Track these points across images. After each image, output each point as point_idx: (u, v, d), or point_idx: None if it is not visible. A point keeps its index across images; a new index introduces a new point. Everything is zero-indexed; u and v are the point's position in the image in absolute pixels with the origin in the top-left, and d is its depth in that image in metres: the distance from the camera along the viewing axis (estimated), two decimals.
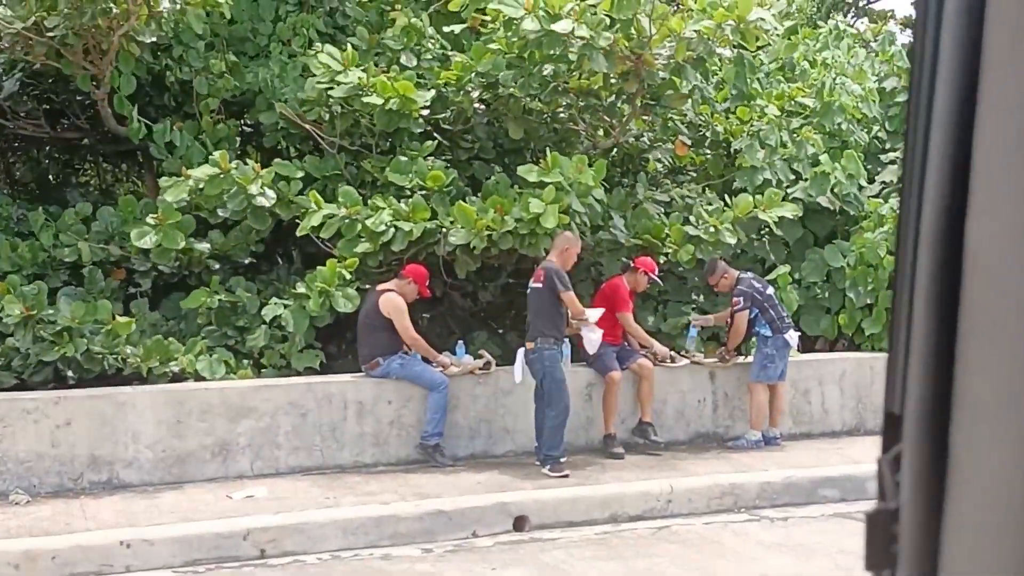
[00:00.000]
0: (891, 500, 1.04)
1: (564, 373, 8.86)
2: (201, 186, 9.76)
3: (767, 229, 11.37)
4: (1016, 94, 0.86)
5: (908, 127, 1.08)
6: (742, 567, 7.06)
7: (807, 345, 11.57)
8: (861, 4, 22.62)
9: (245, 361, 9.79)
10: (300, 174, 10.30)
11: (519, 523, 7.85)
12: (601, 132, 11.68)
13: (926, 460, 0.97)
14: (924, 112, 1.03)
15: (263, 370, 9.86)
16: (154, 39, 10.22)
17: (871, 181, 12.54)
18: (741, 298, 10.02)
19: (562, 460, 8.78)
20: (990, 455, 0.87)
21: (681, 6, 11.15)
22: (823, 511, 8.57)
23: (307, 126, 10.55)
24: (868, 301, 11.46)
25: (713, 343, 11.44)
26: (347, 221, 9.84)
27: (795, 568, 7.05)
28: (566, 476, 8.63)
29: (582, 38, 9.76)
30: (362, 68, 10.22)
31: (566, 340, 9.33)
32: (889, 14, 23.01)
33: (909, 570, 0.99)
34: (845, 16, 19.07)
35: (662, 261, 10.65)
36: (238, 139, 11.27)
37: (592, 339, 9.19)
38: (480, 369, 9.55)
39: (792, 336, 10.11)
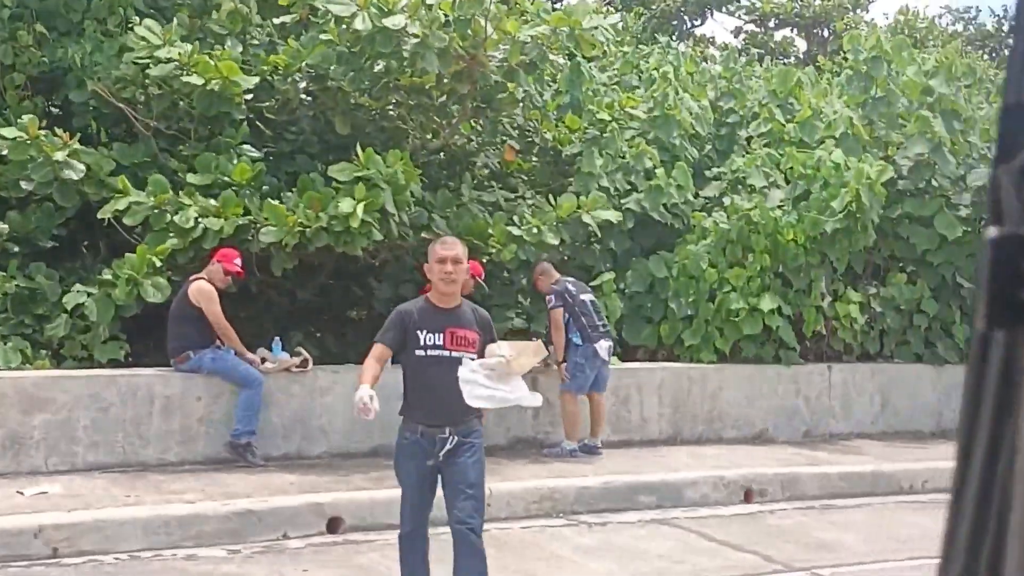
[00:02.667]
0: (1018, 223, 0.80)
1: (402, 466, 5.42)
2: (4, 151, 9.13)
3: (596, 237, 11.36)
4: None
5: None
6: (562, 570, 6.95)
7: (629, 354, 11.61)
8: (685, 28, 23.19)
9: (43, 351, 9.18)
10: (110, 165, 9.72)
11: (333, 525, 7.55)
12: (430, 134, 11.50)
13: None
14: None
15: (63, 362, 9.27)
16: None
17: (696, 196, 12.72)
18: (552, 296, 10.00)
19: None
20: None
21: (515, 6, 11.05)
22: (641, 517, 8.56)
23: (121, 105, 10.00)
24: (689, 312, 11.58)
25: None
26: (155, 211, 9.37)
27: (614, 572, 6.97)
28: None
29: (415, 35, 9.56)
30: (187, 43, 9.76)
31: None
32: (711, 38, 23.72)
33: None
34: (669, 37, 19.40)
35: (485, 261, 10.50)
36: (44, 120, 10.60)
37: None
38: (297, 367, 9.22)
39: (602, 346, 10.00)
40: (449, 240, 5.64)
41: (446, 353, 5.23)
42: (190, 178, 9.76)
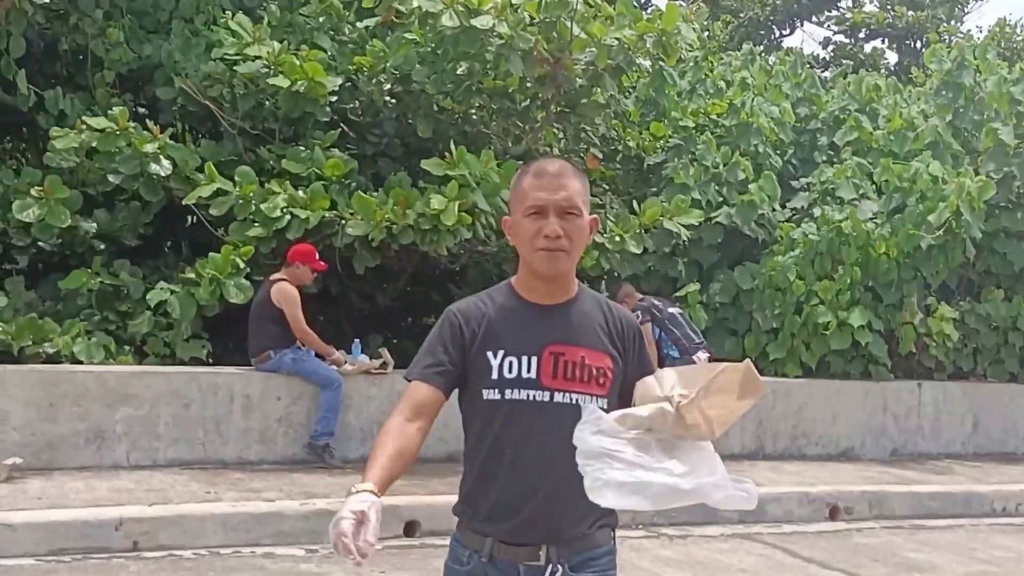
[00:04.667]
0: None
1: None
2: (93, 142, 9.21)
3: (682, 248, 11.14)
4: None
5: None
6: None
7: None
8: (773, 38, 22.89)
9: (126, 347, 9.21)
10: (196, 161, 9.76)
11: (409, 529, 7.46)
12: (512, 139, 11.39)
13: None
14: None
15: (145, 358, 9.29)
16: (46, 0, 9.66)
17: (783, 206, 12.46)
18: (639, 311, 9.81)
19: None
20: None
21: (600, 12, 10.90)
22: (722, 531, 8.36)
23: (207, 103, 10.03)
24: (774, 325, 11.33)
25: None
26: (240, 202, 9.37)
27: None
28: None
29: (501, 36, 9.48)
30: (275, 41, 9.77)
31: None
32: (799, 49, 23.37)
33: None
34: (752, 46, 19.17)
35: None
36: (131, 119, 10.67)
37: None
38: (377, 369, 9.15)
39: (701, 357, 9.84)
40: (553, 166, 2.77)
41: (544, 395, 2.69)
42: (284, 164, 9.76)
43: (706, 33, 16.89)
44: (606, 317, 2.80)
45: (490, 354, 2.70)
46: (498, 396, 2.68)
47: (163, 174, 9.43)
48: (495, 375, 2.69)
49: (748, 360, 2.51)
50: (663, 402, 2.51)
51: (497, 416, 2.69)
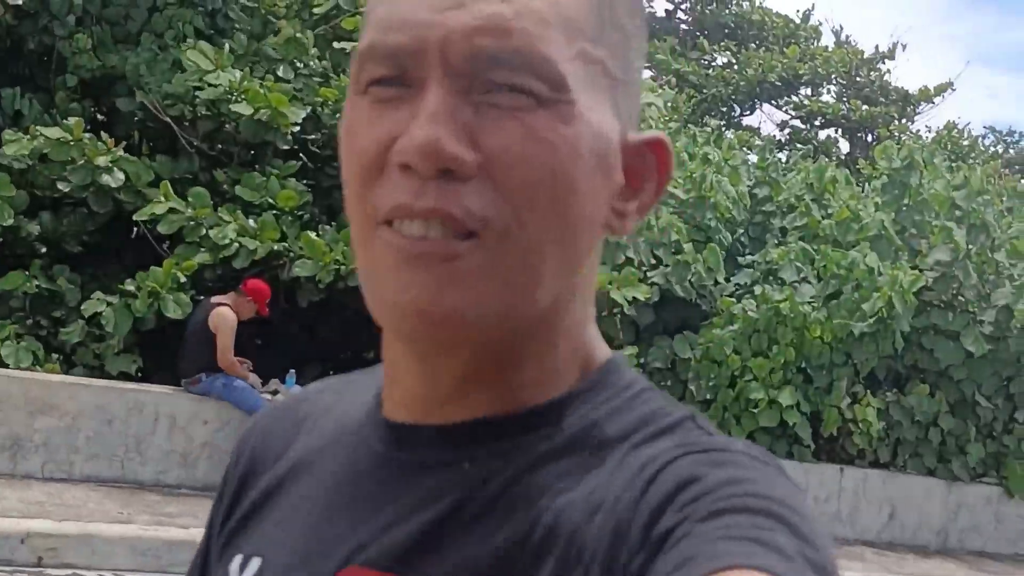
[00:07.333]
0: None
1: None
2: (46, 150, 9.13)
3: (619, 309, 11.23)
4: None
5: None
6: None
7: None
8: (733, 116, 23.28)
9: (55, 355, 9.09)
10: (149, 176, 9.69)
11: None
12: None
13: None
14: None
15: (72, 368, 9.17)
16: (19, 1, 9.61)
17: (727, 280, 12.59)
18: None
19: None
20: None
21: None
22: None
23: (168, 120, 10.00)
24: (708, 396, 11.42)
25: None
26: (192, 223, 9.32)
27: None
28: None
29: None
30: (237, 70, 9.78)
31: None
32: (757, 129, 23.74)
33: None
34: (720, 123, 19.45)
35: None
36: (88, 126, 10.61)
37: None
38: None
39: None
40: None
41: None
42: (238, 190, 9.74)
43: (670, 104, 17.05)
44: (629, 501, 0.71)
45: (237, 559, 0.88)
46: None
47: (114, 186, 9.36)
48: None
49: None
50: None
51: None
